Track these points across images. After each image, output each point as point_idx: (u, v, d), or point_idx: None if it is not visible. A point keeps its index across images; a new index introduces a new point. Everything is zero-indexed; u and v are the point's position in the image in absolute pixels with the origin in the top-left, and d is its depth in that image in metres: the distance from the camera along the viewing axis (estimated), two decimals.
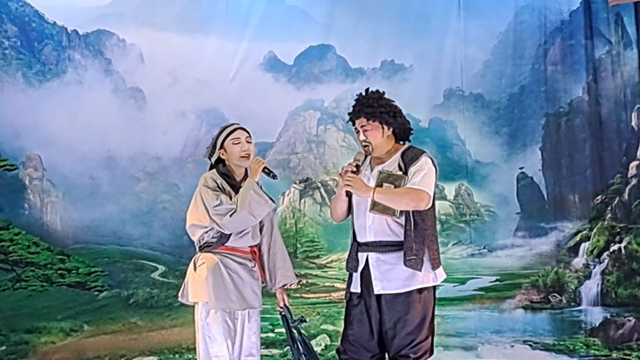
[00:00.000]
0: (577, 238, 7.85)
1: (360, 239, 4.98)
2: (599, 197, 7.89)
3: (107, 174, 7.67)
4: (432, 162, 4.95)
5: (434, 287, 5.01)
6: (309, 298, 7.53)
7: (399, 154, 4.99)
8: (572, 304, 7.75)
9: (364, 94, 5.03)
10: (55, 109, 7.64)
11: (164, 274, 7.46)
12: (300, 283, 7.61)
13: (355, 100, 5.03)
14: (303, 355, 5.23)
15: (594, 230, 7.84)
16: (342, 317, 5.11)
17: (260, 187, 5.01)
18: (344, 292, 5.14)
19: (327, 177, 7.99)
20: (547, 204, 7.92)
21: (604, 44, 7.98)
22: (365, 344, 4.99)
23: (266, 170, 5.02)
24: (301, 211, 7.85)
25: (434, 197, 4.88)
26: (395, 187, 4.84)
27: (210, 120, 7.81)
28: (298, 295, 7.61)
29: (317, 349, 7.39)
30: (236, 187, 5.06)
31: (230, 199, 4.99)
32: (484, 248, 7.88)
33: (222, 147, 5.11)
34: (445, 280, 7.60)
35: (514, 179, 7.94)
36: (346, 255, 5.09)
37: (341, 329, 5.13)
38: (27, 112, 7.58)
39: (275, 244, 5.29)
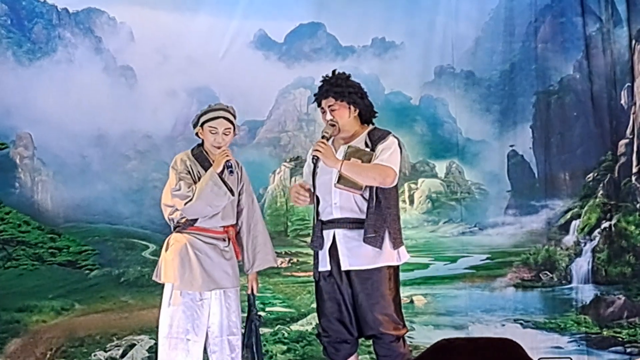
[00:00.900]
0: (568, 216, 7.85)
1: (324, 218, 4.99)
2: (590, 174, 7.89)
3: (98, 152, 7.65)
4: (399, 142, 5.01)
5: (398, 267, 5.05)
6: (299, 277, 7.54)
7: (365, 133, 5.05)
8: (563, 281, 7.76)
9: (328, 76, 5.07)
10: (45, 87, 7.63)
11: (155, 253, 7.44)
12: (291, 262, 7.62)
13: (322, 81, 5.07)
14: (252, 346, 5.25)
15: (585, 208, 7.85)
16: None
17: (222, 177, 4.99)
18: None
19: None
20: (537, 181, 7.92)
21: (594, 22, 7.96)
22: (343, 320, 5.02)
23: (227, 164, 5.01)
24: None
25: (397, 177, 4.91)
26: (362, 162, 4.88)
27: (200, 98, 7.78)
28: (289, 273, 7.62)
29: (307, 328, 7.41)
30: (208, 167, 5.07)
31: (195, 183, 5.00)
32: (475, 226, 7.89)
33: (201, 126, 5.12)
34: (436, 259, 7.77)
35: (505, 157, 7.93)
36: None
37: None
38: (18, 91, 7.58)
39: (256, 227, 5.28)
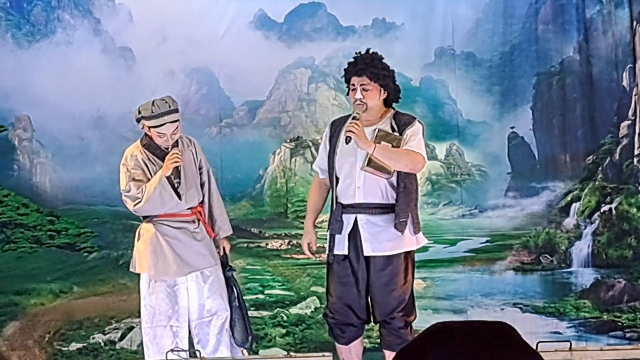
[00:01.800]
0: (568, 198, 7.82)
1: (345, 201, 4.98)
2: (590, 157, 7.85)
3: (97, 134, 7.64)
4: (423, 128, 5.06)
5: (414, 252, 5.06)
6: (299, 259, 7.52)
7: (389, 116, 5.03)
8: (563, 265, 7.74)
9: (363, 52, 5.04)
10: (44, 69, 7.61)
11: None
12: (291, 244, 7.60)
13: (356, 57, 5.04)
14: (235, 299, 5.26)
15: (585, 190, 7.81)
16: None
17: (171, 180, 4.98)
18: None
19: (318, 136, 7.95)
20: (538, 163, 7.88)
21: (595, 3, 7.90)
22: (353, 305, 5.03)
23: (176, 170, 5.02)
24: (292, 170, 7.81)
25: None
26: (392, 147, 4.87)
27: (199, 79, 7.79)
28: (288, 256, 7.61)
29: (307, 312, 7.41)
30: (161, 154, 5.05)
31: (149, 174, 5.00)
32: (475, 208, 7.86)
33: (141, 123, 5.10)
34: (435, 242, 7.75)
35: (505, 139, 7.89)
36: None
37: None
38: (17, 73, 7.57)
39: (211, 197, 5.32)
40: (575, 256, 7.73)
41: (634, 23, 7.77)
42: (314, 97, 7.96)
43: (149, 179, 5.04)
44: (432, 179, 7.94)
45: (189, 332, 5.19)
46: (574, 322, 7.52)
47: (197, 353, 4.63)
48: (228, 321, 5.22)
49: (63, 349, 7.28)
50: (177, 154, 5.03)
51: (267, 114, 7.92)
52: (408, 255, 5.02)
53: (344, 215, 4.98)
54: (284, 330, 7.42)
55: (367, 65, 4.98)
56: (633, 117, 7.81)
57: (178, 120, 5.14)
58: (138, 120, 5.18)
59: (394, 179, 4.93)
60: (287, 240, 7.65)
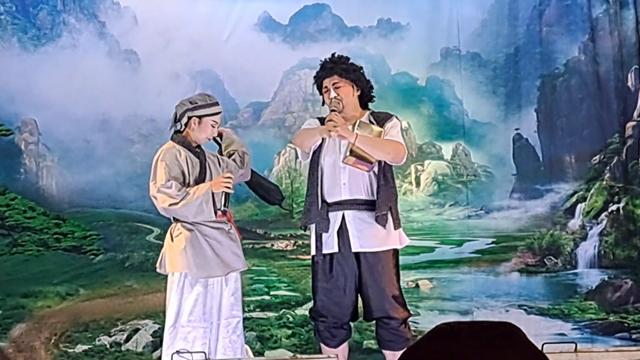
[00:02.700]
0: (573, 199, 7.82)
1: (330, 199, 4.97)
2: (597, 157, 7.85)
3: (102, 136, 7.66)
4: (401, 125, 5.09)
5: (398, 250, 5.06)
6: (304, 259, 7.53)
7: (367, 114, 5.04)
8: (568, 266, 7.73)
9: (329, 56, 5.08)
10: (50, 73, 7.63)
11: (159, 237, 7.43)
12: (296, 244, 7.62)
13: (324, 61, 5.07)
14: None
15: (592, 190, 7.81)
16: None
17: (214, 197, 4.98)
18: None
19: None
20: (542, 165, 7.89)
21: (600, 4, 7.91)
22: (345, 304, 5.00)
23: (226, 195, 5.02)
24: (297, 171, 7.82)
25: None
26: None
27: (204, 81, 7.79)
28: (294, 257, 7.63)
29: None
30: (195, 152, 5.06)
31: (187, 172, 4.99)
32: (481, 209, 7.86)
33: (199, 119, 5.10)
34: (442, 242, 7.74)
35: (510, 140, 7.90)
36: None
37: None
38: (23, 77, 7.58)
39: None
40: (580, 257, 7.73)
41: None
42: (318, 98, 7.87)
43: (184, 177, 5.04)
44: (438, 179, 7.95)
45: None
46: (580, 324, 7.51)
47: (203, 355, 4.61)
48: (241, 325, 5.23)
49: (69, 350, 7.29)
50: (229, 179, 5.03)
51: (271, 115, 7.94)
52: (394, 252, 5.02)
53: (330, 214, 4.96)
54: (289, 331, 7.43)
55: (336, 64, 5.02)
56: (639, 118, 7.80)
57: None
58: (183, 114, 5.16)
59: (375, 172, 4.93)
60: (292, 241, 7.66)
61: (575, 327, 7.50)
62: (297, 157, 7.86)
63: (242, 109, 7.87)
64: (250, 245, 7.61)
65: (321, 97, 5.18)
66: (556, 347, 4.70)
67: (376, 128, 4.90)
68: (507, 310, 7.57)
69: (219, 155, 5.32)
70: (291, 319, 7.47)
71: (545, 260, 7.72)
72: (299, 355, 5.58)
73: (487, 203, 7.88)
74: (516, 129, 7.88)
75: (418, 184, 8.00)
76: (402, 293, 5.05)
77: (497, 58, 8.02)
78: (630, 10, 7.84)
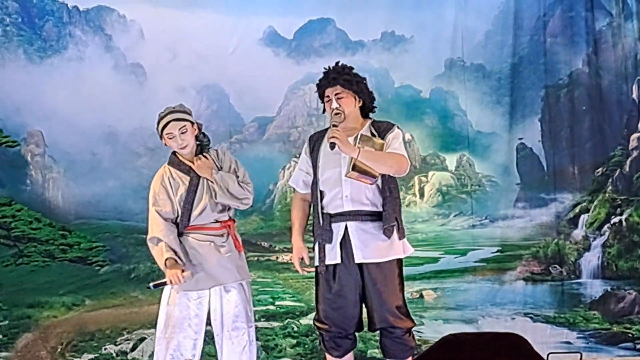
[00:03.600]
0: (577, 210, 7.85)
1: (332, 211, 4.97)
2: (600, 169, 7.89)
3: (108, 149, 7.70)
4: (403, 134, 5.05)
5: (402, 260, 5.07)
6: (309, 271, 7.54)
7: (368, 125, 5.05)
8: (572, 276, 7.76)
9: (333, 65, 5.07)
10: (56, 85, 7.67)
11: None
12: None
13: (327, 70, 5.05)
14: None
15: (595, 202, 7.84)
16: None
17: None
18: None
19: None
20: (546, 175, 7.92)
21: (604, 16, 7.95)
22: (349, 314, 5.02)
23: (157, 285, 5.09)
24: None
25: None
26: (375, 150, 4.88)
27: (210, 95, 7.84)
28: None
29: None
30: (186, 170, 5.10)
31: (172, 192, 5.05)
32: (486, 219, 7.89)
33: (162, 138, 5.16)
34: (446, 252, 7.78)
35: (514, 150, 7.93)
36: None
37: None
38: (29, 89, 7.62)
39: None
40: (584, 268, 7.76)
41: None
42: (323, 113, 7.99)
43: (170, 199, 5.11)
44: (442, 190, 7.98)
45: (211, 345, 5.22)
46: (585, 334, 7.53)
47: None
48: (251, 336, 5.23)
49: (75, 359, 7.33)
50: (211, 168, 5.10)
51: (276, 130, 7.97)
52: (398, 262, 5.02)
53: (333, 225, 4.96)
54: (294, 341, 7.45)
55: (339, 74, 4.99)
56: None
57: (185, 121, 5.16)
58: (161, 137, 5.23)
59: (379, 185, 4.95)
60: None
61: (581, 336, 7.52)
62: None
63: (248, 123, 7.91)
64: (256, 258, 7.65)
65: (323, 105, 5.17)
66: (562, 357, 4.72)
67: (378, 141, 4.90)
68: (513, 319, 7.60)
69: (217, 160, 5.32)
70: (296, 329, 7.49)
71: (550, 268, 7.75)
72: None
73: (491, 212, 7.91)
74: (520, 139, 7.91)
75: (422, 195, 8.02)
76: (406, 303, 5.06)
77: (501, 69, 8.06)
78: (633, 23, 7.89)
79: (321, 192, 5.00)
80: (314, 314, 5.22)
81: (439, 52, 8.03)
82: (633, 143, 7.86)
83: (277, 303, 7.57)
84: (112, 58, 7.82)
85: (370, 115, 5.17)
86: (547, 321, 7.60)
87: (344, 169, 4.88)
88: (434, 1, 8.07)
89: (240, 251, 5.21)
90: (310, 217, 5.17)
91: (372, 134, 4.98)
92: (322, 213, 4.98)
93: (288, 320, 7.52)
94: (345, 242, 4.95)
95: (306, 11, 7.99)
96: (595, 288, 7.71)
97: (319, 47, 8.00)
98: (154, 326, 6.90)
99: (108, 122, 7.67)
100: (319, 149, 5.07)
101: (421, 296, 7.63)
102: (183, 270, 4.97)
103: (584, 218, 7.81)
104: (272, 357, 7.39)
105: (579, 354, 4.75)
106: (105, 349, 7.36)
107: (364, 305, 5.06)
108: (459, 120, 8.05)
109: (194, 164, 5.16)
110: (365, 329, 5.17)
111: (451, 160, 8.05)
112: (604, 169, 7.86)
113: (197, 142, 5.23)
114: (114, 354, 7.35)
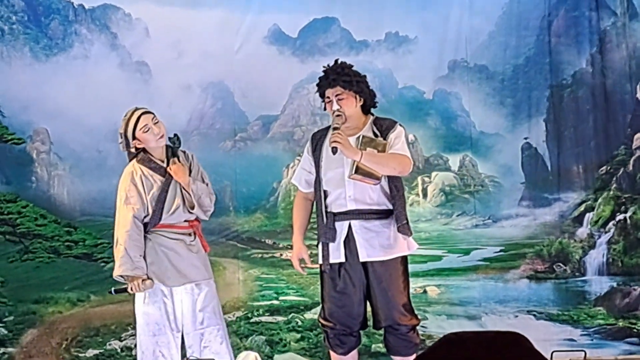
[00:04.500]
0: (582, 208, 7.87)
1: (335, 210, 4.98)
2: (604, 168, 7.91)
3: (114, 147, 7.58)
4: (405, 131, 5.04)
5: (407, 257, 5.09)
6: (313, 268, 7.58)
7: (370, 122, 5.04)
8: (577, 273, 7.79)
9: (332, 65, 5.06)
10: (62, 83, 7.70)
11: None
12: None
13: (327, 70, 5.04)
14: None
15: (599, 200, 7.87)
16: None
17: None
18: None
19: None
20: (551, 174, 7.94)
21: (609, 16, 7.96)
22: (354, 313, 5.03)
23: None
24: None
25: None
26: (378, 152, 4.88)
27: (215, 93, 7.87)
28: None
29: None
30: (158, 169, 5.13)
31: (143, 191, 5.08)
32: (489, 219, 7.91)
33: (134, 138, 5.16)
34: (449, 251, 7.80)
35: (519, 150, 7.95)
36: None
37: None
38: (35, 86, 7.65)
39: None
40: (589, 265, 7.78)
41: None
42: (327, 112, 8.00)
43: (142, 198, 5.13)
44: (445, 189, 8.00)
45: (182, 343, 5.24)
46: (589, 330, 7.56)
47: None
48: (221, 335, 5.25)
49: (80, 355, 7.36)
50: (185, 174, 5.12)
51: (280, 129, 7.99)
52: (403, 259, 5.03)
53: (336, 223, 4.97)
54: (298, 335, 7.48)
55: (339, 75, 4.97)
56: None
57: (153, 114, 5.20)
58: (127, 145, 5.25)
59: (385, 184, 4.94)
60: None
61: (585, 332, 7.55)
62: None
63: (252, 121, 7.93)
64: (260, 255, 7.69)
65: (323, 103, 5.18)
66: (565, 355, 4.73)
67: (380, 141, 4.90)
68: (516, 316, 7.63)
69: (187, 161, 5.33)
70: (300, 323, 7.52)
71: (554, 267, 7.78)
72: None
73: (494, 212, 7.93)
74: (525, 138, 7.94)
75: (425, 195, 8.04)
76: (411, 300, 5.08)
77: (505, 69, 8.07)
78: (638, 22, 7.90)
79: (324, 191, 5.02)
80: (318, 308, 5.25)
81: (443, 53, 8.04)
82: (637, 142, 7.88)
83: (281, 298, 7.60)
84: (117, 56, 7.84)
85: (373, 110, 5.18)
86: (550, 319, 7.63)
87: (347, 170, 4.89)
88: (438, 2, 8.07)
89: (207, 250, 5.27)
90: (314, 215, 5.19)
91: (375, 134, 4.97)
92: (326, 212, 4.99)
93: (292, 314, 7.55)
94: (349, 241, 4.97)
95: (311, 10, 8.00)
96: (600, 285, 7.74)
97: (323, 46, 8.01)
98: None
99: (113, 119, 7.58)
100: (321, 147, 5.07)
101: (425, 291, 7.66)
102: (144, 280, 5.01)
103: (588, 216, 7.84)
104: (277, 351, 7.42)
105: (583, 352, 4.74)
106: (110, 345, 7.40)
107: (368, 303, 5.08)
108: (462, 121, 8.07)
109: (164, 163, 5.18)
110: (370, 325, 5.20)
111: (454, 160, 8.07)
112: (608, 168, 7.89)
113: (169, 145, 5.25)
114: (119, 350, 7.38)
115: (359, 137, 4.92)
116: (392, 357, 5.16)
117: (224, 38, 7.81)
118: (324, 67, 5.08)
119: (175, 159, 5.16)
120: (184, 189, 5.12)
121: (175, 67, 7.78)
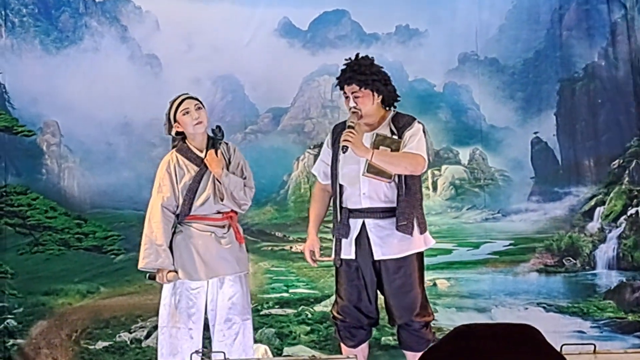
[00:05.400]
0: (592, 202, 7.85)
1: (351, 206, 4.97)
2: (616, 161, 7.89)
3: (124, 139, 7.73)
4: (424, 128, 5.00)
5: (423, 253, 5.07)
6: (323, 261, 7.59)
7: (389, 118, 5.02)
8: (587, 267, 7.78)
9: (353, 59, 5.03)
10: (72, 75, 7.71)
11: None
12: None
13: (345, 65, 5.01)
14: None
15: (611, 194, 7.85)
16: None
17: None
18: None
19: None
20: (561, 168, 7.93)
21: (619, 8, 7.94)
22: (364, 308, 5.03)
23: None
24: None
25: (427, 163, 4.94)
26: (391, 150, 4.87)
27: (225, 86, 7.86)
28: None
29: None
30: (195, 159, 5.11)
31: (176, 181, 5.06)
32: (498, 212, 7.90)
33: (175, 120, 5.16)
34: (459, 245, 7.79)
35: (529, 144, 7.93)
36: None
37: None
38: (45, 79, 7.66)
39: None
40: (599, 259, 7.77)
41: None
42: (337, 104, 8.00)
43: (173, 187, 5.11)
44: (455, 183, 7.99)
45: (208, 336, 5.24)
46: (599, 322, 7.56)
47: (222, 354, 4.66)
48: (248, 328, 5.25)
49: (90, 347, 7.38)
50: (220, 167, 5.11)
51: (291, 121, 7.99)
52: (418, 255, 5.03)
53: (350, 220, 4.96)
54: (308, 328, 7.49)
55: (355, 73, 4.94)
56: None
57: (199, 101, 5.21)
58: (169, 128, 5.24)
59: (396, 182, 4.94)
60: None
61: (594, 325, 7.54)
62: (315, 163, 7.94)
63: (262, 114, 7.92)
64: (270, 248, 7.69)
65: (340, 96, 5.18)
66: (575, 349, 4.73)
67: (394, 139, 4.89)
68: (526, 308, 7.62)
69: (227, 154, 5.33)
70: (310, 316, 7.53)
71: (564, 261, 7.76)
72: (317, 355, 5.61)
73: (504, 206, 7.91)
74: (535, 133, 7.92)
75: (435, 188, 8.04)
76: (426, 296, 5.07)
77: (515, 63, 8.06)
78: None
79: (340, 186, 5.02)
80: (327, 301, 5.26)
81: (453, 46, 8.03)
82: None
83: (291, 290, 7.61)
84: (127, 49, 7.84)
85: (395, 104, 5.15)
86: (560, 311, 7.62)
87: (362, 167, 4.89)
88: None
89: (242, 243, 5.23)
90: (331, 208, 5.19)
91: (392, 131, 4.96)
92: (341, 207, 4.99)
93: (302, 307, 7.56)
94: (361, 239, 4.96)
95: (321, 2, 8.00)
96: (610, 279, 7.73)
97: (333, 39, 8.01)
98: None
99: (123, 112, 7.71)
100: (340, 140, 5.08)
101: (434, 284, 7.66)
102: (169, 271, 5.01)
103: (599, 210, 7.82)
104: (287, 344, 7.43)
105: (592, 345, 4.73)
106: (119, 337, 7.42)
107: (382, 300, 5.09)
108: (472, 114, 8.05)
109: (202, 153, 5.18)
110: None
111: (464, 154, 8.06)
112: (620, 161, 7.86)
113: (211, 135, 5.24)
114: (128, 342, 7.40)
115: (373, 134, 4.91)
116: (406, 352, 5.16)
117: (234, 31, 7.80)
118: (345, 59, 5.05)
119: (213, 150, 5.14)
120: (217, 180, 5.10)
121: (186, 60, 7.77)
